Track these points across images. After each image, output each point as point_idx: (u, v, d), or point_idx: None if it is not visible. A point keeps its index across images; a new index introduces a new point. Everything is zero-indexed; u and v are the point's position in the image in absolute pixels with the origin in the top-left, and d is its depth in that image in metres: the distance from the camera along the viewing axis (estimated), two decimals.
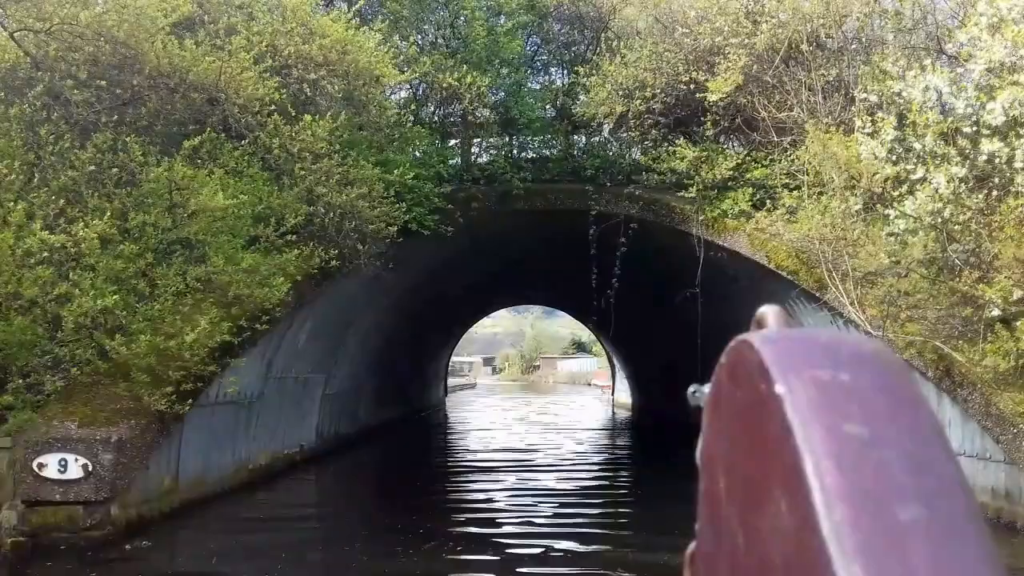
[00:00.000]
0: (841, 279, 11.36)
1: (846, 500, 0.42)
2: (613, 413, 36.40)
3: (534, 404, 45.24)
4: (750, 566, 0.48)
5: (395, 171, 12.93)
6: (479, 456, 19.46)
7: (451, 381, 58.42)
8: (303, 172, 11.95)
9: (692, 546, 0.58)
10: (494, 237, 17.00)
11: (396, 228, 12.64)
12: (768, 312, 0.58)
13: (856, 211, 11.37)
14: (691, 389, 0.62)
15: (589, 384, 74.88)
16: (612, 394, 41.21)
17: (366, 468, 18.00)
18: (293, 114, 11.86)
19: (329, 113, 12.27)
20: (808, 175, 12.40)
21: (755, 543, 0.48)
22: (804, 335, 0.54)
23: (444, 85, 14.87)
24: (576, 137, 16.59)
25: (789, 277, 12.62)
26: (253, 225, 11.12)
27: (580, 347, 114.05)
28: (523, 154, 16.76)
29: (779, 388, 0.48)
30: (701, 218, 14.04)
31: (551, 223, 16.18)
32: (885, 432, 0.46)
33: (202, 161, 11.07)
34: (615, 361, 38.79)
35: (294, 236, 11.55)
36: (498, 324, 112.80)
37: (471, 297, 26.61)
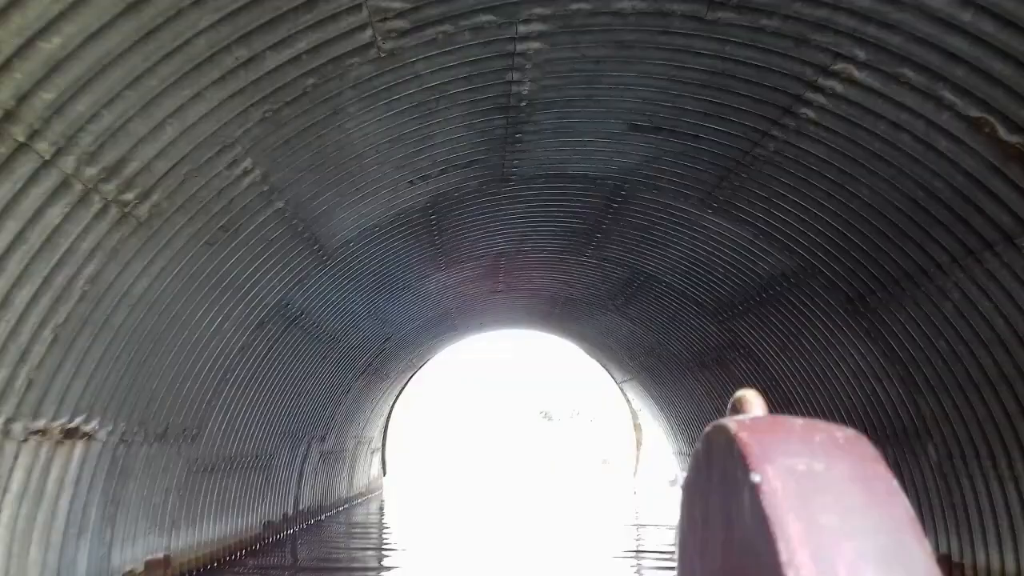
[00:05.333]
0: None
1: None
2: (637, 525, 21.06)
3: (511, 491, 31.77)
4: None
5: None
6: None
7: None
8: None
9: None
10: None
11: None
12: (746, 396, 0.58)
13: None
14: (671, 476, 0.60)
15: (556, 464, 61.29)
16: (634, 474, 26.80)
17: None
18: None
19: None
20: None
21: None
22: (779, 422, 0.53)
23: None
24: None
25: None
26: None
27: (547, 416, 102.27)
28: None
29: (755, 477, 0.47)
30: None
31: None
32: (859, 523, 0.45)
33: None
34: (640, 423, 25.03)
35: None
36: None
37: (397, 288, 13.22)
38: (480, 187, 8.36)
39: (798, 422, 0.51)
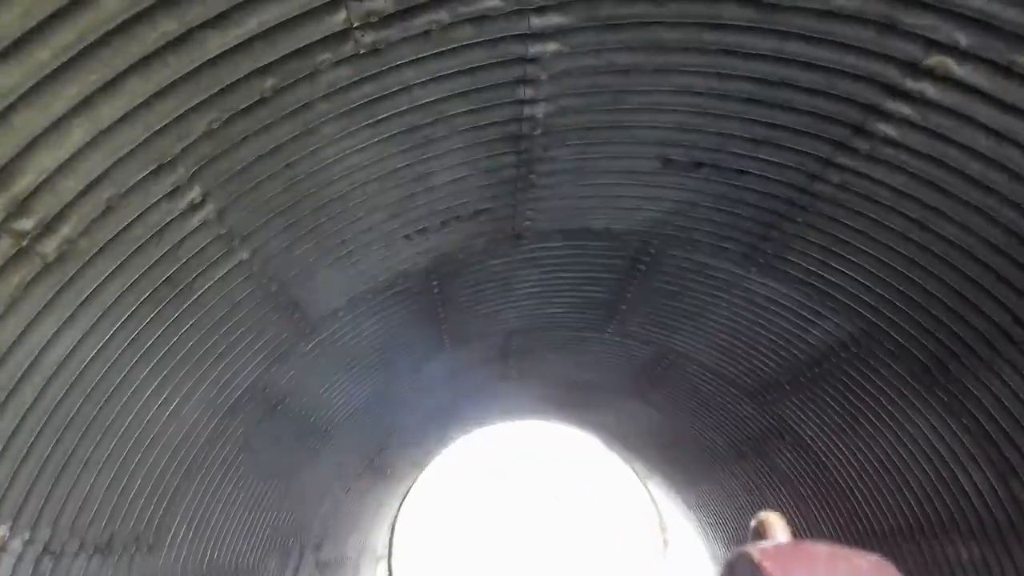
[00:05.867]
0: None
1: None
2: None
3: None
4: None
5: None
6: None
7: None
8: None
9: None
10: None
11: None
12: (768, 520, 0.72)
13: None
14: None
15: None
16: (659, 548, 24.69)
17: None
18: None
19: None
20: None
21: None
22: (803, 550, 0.68)
23: None
24: None
25: None
26: None
27: (565, 517, 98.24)
28: None
29: None
30: None
31: None
32: None
33: None
34: (666, 521, 23.12)
35: None
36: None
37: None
38: (488, 247, 7.27)
39: (822, 549, 0.51)
